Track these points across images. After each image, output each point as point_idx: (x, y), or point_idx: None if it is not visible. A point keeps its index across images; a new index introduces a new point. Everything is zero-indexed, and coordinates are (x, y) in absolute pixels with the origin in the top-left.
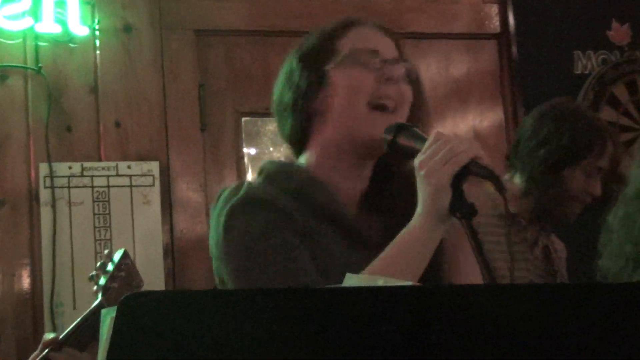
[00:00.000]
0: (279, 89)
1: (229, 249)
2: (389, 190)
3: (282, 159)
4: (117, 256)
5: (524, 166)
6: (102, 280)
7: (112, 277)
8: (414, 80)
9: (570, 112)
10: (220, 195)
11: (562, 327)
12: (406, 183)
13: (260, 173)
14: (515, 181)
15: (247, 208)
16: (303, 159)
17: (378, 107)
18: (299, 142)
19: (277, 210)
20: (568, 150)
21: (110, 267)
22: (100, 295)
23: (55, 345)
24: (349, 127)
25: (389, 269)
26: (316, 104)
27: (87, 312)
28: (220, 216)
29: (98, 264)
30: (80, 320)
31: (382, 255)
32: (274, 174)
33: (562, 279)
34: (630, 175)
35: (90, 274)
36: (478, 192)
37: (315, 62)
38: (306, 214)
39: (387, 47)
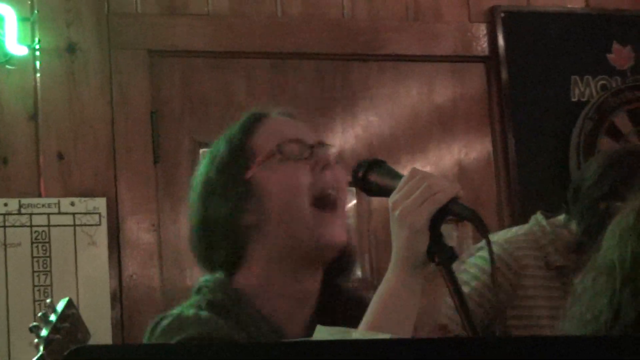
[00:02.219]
0: (200, 207)
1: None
2: (338, 311)
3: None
4: (60, 305)
5: (582, 216)
6: (44, 332)
7: (54, 328)
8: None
9: None
10: (158, 324)
11: None
12: (356, 302)
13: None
14: (572, 228)
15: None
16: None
17: (323, 200)
18: (231, 265)
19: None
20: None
21: (52, 317)
22: (41, 348)
23: None
24: (293, 231)
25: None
26: (249, 218)
27: None
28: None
29: (39, 313)
30: None
31: (364, 320)
32: (218, 306)
33: None
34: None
35: (31, 325)
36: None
37: (235, 170)
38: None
39: (305, 133)
